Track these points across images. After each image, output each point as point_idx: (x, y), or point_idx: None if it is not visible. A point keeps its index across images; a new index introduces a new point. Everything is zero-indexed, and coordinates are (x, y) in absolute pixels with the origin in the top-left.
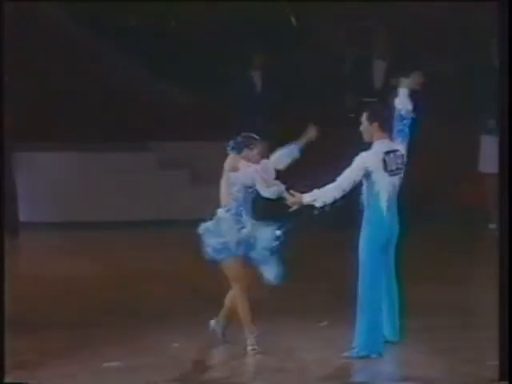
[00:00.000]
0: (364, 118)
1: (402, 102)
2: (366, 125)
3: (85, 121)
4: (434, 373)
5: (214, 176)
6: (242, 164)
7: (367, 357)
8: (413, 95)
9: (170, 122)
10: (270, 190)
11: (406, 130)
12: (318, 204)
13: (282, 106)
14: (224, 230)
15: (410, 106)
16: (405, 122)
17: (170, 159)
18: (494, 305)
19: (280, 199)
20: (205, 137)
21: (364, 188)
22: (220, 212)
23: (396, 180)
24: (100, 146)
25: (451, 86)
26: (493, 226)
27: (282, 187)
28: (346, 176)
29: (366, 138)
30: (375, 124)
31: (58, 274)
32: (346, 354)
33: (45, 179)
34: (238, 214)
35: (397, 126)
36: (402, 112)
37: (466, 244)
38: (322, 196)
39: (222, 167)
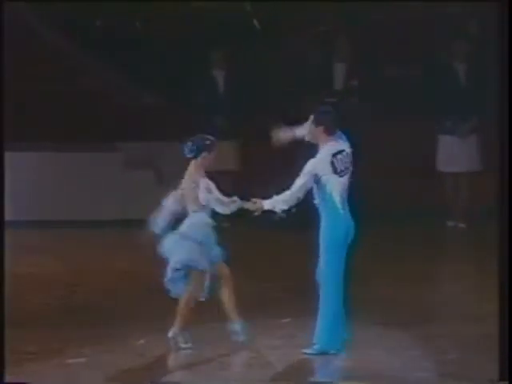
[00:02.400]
0: (310, 120)
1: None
2: (311, 127)
3: (50, 121)
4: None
5: (178, 176)
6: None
7: (326, 353)
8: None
9: (135, 123)
10: (229, 207)
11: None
12: (277, 210)
13: (244, 106)
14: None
15: None
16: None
17: (135, 159)
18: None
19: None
20: (169, 137)
21: (315, 192)
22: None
23: (345, 180)
24: (65, 146)
25: (412, 86)
26: (451, 223)
27: (239, 201)
28: (298, 184)
29: (310, 139)
30: (320, 127)
31: (22, 271)
32: (306, 350)
33: (11, 178)
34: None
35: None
36: None
37: (425, 242)
38: (279, 203)
39: (185, 167)
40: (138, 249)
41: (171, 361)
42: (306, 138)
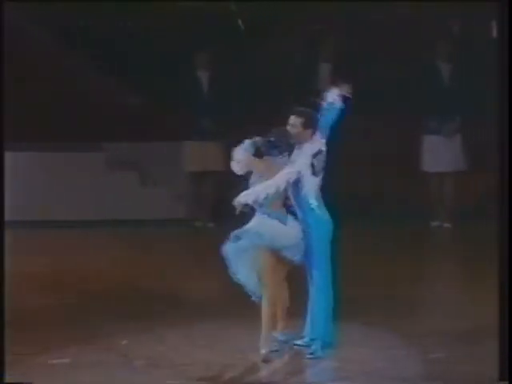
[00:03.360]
0: (299, 123)
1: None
2: (299, 130)
3: (34, 121)
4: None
5: (162, 176)
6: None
7: (324, 345)
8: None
9: (119, 123)
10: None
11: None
12: (249, 200)
13: (230, 106)
14: None
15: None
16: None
17: (119, 160)
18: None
19: None
20: (154, 137)
21: (290, 192)
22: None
23: (320, 179)
24: (49, 146)
25: (397, 87)
26: (436, 223)
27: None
28: (283, 175)
29: (296, 139)
30: (309, 130)
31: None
32: (308, 356)
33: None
34: None
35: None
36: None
37: (411, 242)
38: (254, 192)
39: (170, 167)
40: (121, 249)
41: (154, 361)
42: (294, 139)
